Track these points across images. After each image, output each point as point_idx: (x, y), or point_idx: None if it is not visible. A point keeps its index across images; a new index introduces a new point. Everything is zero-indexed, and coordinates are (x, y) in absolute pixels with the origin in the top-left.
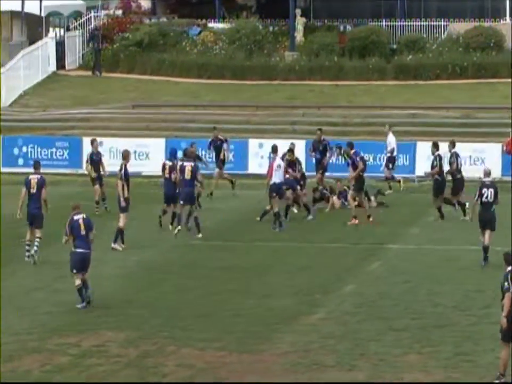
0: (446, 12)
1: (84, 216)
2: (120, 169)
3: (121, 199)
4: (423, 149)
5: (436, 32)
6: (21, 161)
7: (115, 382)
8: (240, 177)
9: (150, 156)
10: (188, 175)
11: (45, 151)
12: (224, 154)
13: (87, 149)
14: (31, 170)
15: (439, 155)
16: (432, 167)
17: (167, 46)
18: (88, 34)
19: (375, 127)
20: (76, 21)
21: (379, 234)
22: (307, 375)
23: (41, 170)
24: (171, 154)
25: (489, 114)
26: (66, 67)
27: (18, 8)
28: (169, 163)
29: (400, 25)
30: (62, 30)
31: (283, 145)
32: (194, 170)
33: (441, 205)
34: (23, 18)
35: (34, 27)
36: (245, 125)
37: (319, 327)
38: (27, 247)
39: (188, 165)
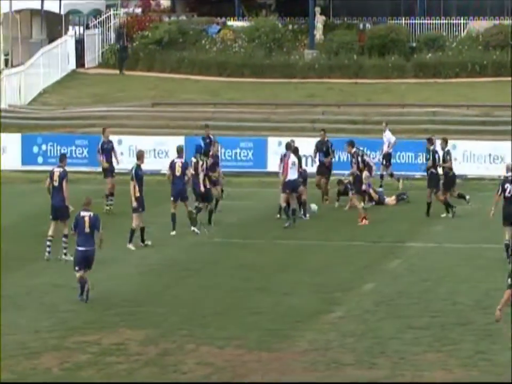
0: (465, 10)
1: (92, 214)
2: (132, 169)
3: (133, 198)
4: None
5: (456, 30)
6: (40, 159)
7: (126, 382)
8: (259, 175)
9: (169, 154)
10: (178, 172)
11: (64, 149)
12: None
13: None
14: (51, 168)
15: (434, 150)
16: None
17: (186, 44)
18: (109, 32)
19: (394, 125)
20: (95, 19)
21: (399, 232)
22: (326, 373)
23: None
24: (197, 151)
25: (509, 112)
26: (86, 65)
27: (38, 7)
28: (194, 160)
29: (420, 23)
30: (81, 28)
31: (302, 143)
32: (184, 167)
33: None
34: (42, 17)
35: (53, 25)
36: (264, 123)
37: (339, 325)
38: (48, 243)
39: (178, 161)
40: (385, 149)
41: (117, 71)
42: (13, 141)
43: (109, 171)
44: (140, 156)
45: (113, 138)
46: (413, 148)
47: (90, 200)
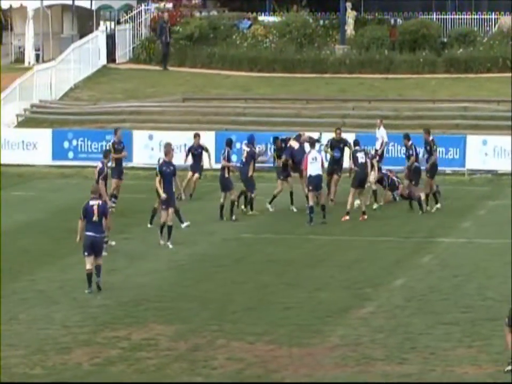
0: (496, 5)
1: (100, 202)
2: (158, 163)
3: (160, 192)
4: (474, 143)
5: (487, 26)
6: (71, 154)
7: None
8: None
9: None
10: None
11: (95, 145)
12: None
13: (137, 142)
14: (82, 163)
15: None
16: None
17: (217, 40)
18: (140, 28)
19: (425, 120)
20: (126, 14)
21: (430, 227)
22: (357, 368)
23: (92, 163)
24: (249, 141)
25: None
26: (117, 60)
27: (69, 2)
28: (247, 148)
29: (451, 19)
30: (112, 24)
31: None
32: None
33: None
34: (73, 12)
35: (84, 20)
36: (295, 118)
37: (369, 320)
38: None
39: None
40: (377, 146)
41: (149, 67)
42: (44, 136)
43: (116, 172)
44: (167, 151)
45: (145, 133)
46: (444, 143)
47: (97, 189)
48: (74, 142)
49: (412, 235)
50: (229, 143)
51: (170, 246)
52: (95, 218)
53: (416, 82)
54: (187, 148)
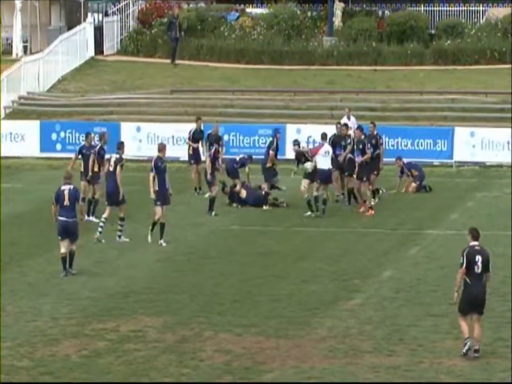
0: None
1: (71, 187)
2: (152, 160)
3: (151, 190)
4: (462, 135)
5: (475, 17)
6: (59, 146)
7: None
8: (278, 163)
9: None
10: None
11: (83, 137)
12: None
13: (125, 134)
14: (70, 155)
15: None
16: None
17: (205, 31)
18: (128, 19)
19: (413, 112)
20: (114, 6)
21: (418, 219)
22: (345, 360)
23: (79, 156)
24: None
25: None
26: (105, 52)
27: None
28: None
29: (439, 10)
30: (100, 15)
31: (321, 131)
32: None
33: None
34: (61, 4)
35: (72, 12)
36: (283, 110)
37: (357, 312)
38: (101, 224)
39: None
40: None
41: (136, 58)
42: (31, 128)
43: (97, 177)
44: (162, 148)
45: (132, 125)
46: (432, 135)
47: (70, 174)
48: (62, 134)
49: (400, 227)
50: (218, 140)
51: (164, 244)
52: (66, 203)
53: (404, 74)
54: (190, 133)
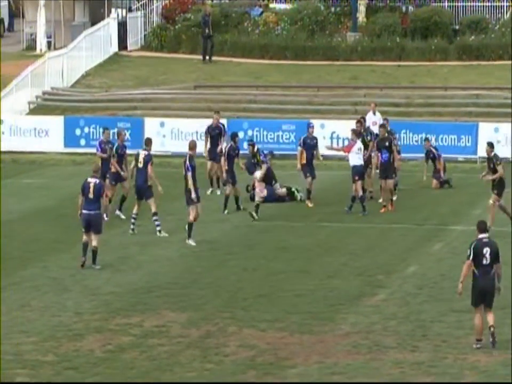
0: None
1: (97, 181)
2: (185, 161)
3: (192, 189)
4: (486, 130)
5: (499, 13)
6: (83, 141)
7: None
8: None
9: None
10: None
11: None
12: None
13: (149, 129)
14: (93, 150)
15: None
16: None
17: (229, 27)
18: (151, 15)
19: (437, 108)
20: (138, 2)
21: (442, 215)
22: (369, 356)
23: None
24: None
25: None
26: (128, 48)
27: None
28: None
29: (463, 6)
30: (124, 11)
31: (345, 126)
32: None
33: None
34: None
35: (96, 8)
36: (306, 106)
37: (381, 308)
38: (132, 220)
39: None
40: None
41: (160, 54)
42: (55, 124)
43: (115, 177)
44: (193, 145)
45: (156, 120)
46: (456, 131)
47: (99, 168)
48: (86, 129)
49: (424, 222)
50: (234, 137)
51: (193, 244)
52: (90, 195)
53: (428, 69)
54: (206, 129)
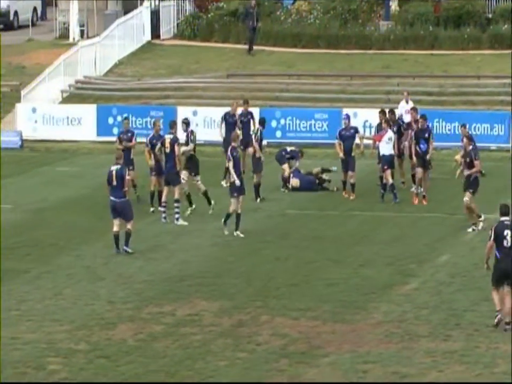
0: None
1: (118, 167)
2: (228, 151)
3: (236, 179)
4: None
5: None
6: (115, 130)
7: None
8: (334, 147)
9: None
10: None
11: (139, 121)
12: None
13: (181, 118)
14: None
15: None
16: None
17: (261, 16)
18: (184, 3)
19: (470, 96)
20: None
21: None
22: (401, 345)
23: (138, 140)
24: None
25: None
26: (161, 36)
27: None
28: None
29: None
30: (157, 0)
31: (377, 115)
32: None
33: None
34: None
35: None
36: (339, 95)
37: (413, 297)
38: (163, 209)
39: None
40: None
41: (193, 43)
42: (88, 112)
43: (156, 169)
44: (236, 137)
45: (189, 109)
46: (489, 120)
47: (121, 155)
48: (118, 118)
49: (456, 212)
50: (262, 122)
51: (242, 235)
52: (114, 182)
53: (460, 58)
54: (238, 116)
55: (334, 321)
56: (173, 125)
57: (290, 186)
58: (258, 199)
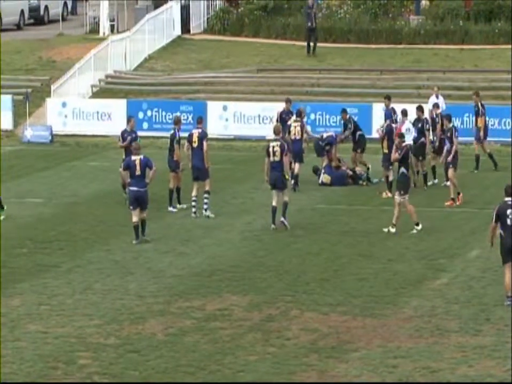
0: None
1: (142, 157)
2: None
3: (265, 176)
4: None
5: None
6: (145, 125)
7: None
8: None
9: (273, 120)
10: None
11: (169, 115)
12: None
13: (211, 113)
14: (156, 134)
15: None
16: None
17: (292, 10)
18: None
19: (501, 91)
20: None
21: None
22: (431, 340)
23: (165, 134)
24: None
25: None
26: (191, 31)
27: None
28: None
29: None
30: None
31: (408, 109)
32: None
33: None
34: None
35: None
36: (369, 89)
37: (444, 292)
38: (193, 203)
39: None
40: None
41: (223, 37)
42: (118, 107)
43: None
44: (278, 131)
45: (219, 104)
46: None
47: (139, 146)
48: (148, 113)
49: (487, 206)
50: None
51: (287, 225)
52: (137, 172)
53: (491, 53)
54: (278, 113)
55: (364, 316)
56: (200, 120)
57: (320, 181)
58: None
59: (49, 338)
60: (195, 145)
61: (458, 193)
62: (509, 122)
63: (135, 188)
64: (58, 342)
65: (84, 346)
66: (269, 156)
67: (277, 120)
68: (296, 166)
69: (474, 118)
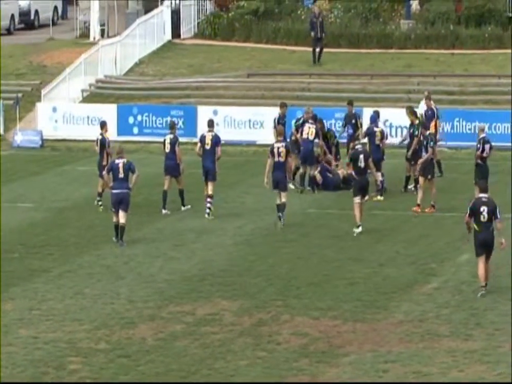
0: None
1: (125, 160)
2: (271, 149)
3: (265, 178)
4: None
5: None
6: (135, 130)
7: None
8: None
9: (264, 125)
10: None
11: (159, 120)
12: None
13: (202, 117)
14: (146, 139)
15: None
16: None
17: (282, 14)
18: (205, 3)
19: (491, 95)
20: None
21: (497, 203)
22: (421, 344)
23: (157, 139)
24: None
25: None
26: (182, 35)
27: None
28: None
29: None
30: None
31: (398, 114)
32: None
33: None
34: None
35: None
36: (360, 94)
37: (434, 296)
38: (208, 204)
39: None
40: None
41: (214, 42)
42: (109, 112)
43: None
44: (281, 133)
45: (209, 108)
46: (510, 119)
47: (122, 149)
48: (139, 117)
49: None
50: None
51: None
52: (121, 175)
53: (482, 57)
54: (275, 119)
55: (354, 320)
56: (211, 124)
57: (312, 175)
58: (316, 191)
59: (39, 343)
60: (207, 147)
61: (433, 206)
62: (499, 127)
63: (118, 190)
64: (48, 347)
65: (75, 351)
66: (273, 156)
67: (275, 126)
68: (309, 168)
69: (432, 123)
